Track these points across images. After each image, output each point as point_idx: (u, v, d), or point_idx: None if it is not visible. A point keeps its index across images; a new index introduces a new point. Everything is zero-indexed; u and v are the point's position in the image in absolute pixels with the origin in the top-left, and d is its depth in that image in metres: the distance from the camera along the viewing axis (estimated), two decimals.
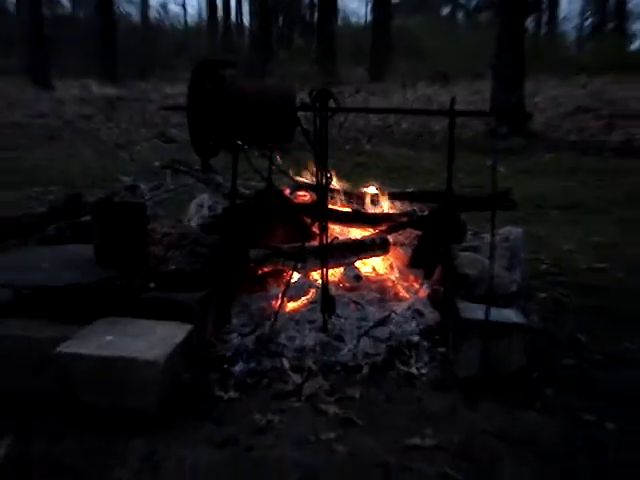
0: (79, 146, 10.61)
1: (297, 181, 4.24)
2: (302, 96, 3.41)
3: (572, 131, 12.09)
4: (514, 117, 11.53)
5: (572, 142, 11.22)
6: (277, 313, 3.47)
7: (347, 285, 3.92)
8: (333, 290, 3.71)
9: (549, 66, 17.26)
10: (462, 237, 4.06)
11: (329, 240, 3.58)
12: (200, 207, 4.28)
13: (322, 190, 3.49)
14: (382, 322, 3.60)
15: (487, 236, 3.80)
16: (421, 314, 3.67)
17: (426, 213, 4.09)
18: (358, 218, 4.10)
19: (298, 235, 3.88)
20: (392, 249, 4.07)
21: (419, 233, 4.09)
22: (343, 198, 4.17)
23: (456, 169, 3.51)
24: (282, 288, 3.63)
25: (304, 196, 4.14)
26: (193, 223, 4.11)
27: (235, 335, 3.49)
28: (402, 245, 4.14)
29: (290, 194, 4.15)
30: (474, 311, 3.25)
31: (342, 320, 3.59)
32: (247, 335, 3.47)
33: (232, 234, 3.59)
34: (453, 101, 3.43)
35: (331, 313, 3.52)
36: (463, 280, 3.47)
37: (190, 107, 3.45)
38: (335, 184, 4.07)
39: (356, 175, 4.53)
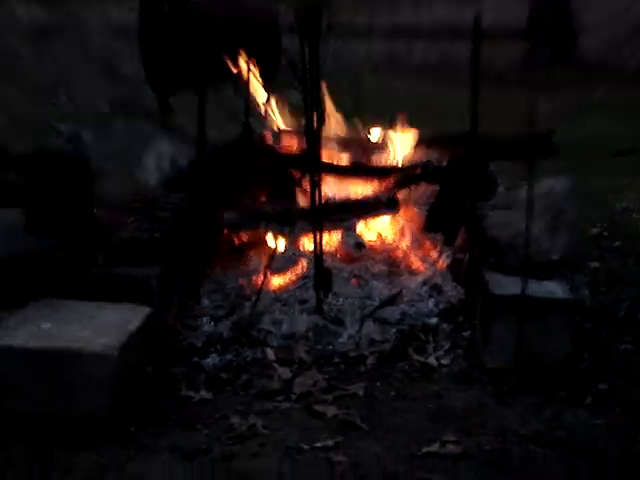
0: (1, 85, 10.53)
1: (282, 126, 4.22)
2: (286, 18, 3.46)
3: (635, 56, 11.98)
4: (559, 38, 11.40)
5: (636, 70, 11.12)
6: (259, 291, 3.50)
7: (347, 255, 3.93)
8: (329, 262, 3.73)
9: None
10: (492, 192, 4.03)
11: (323, 199, 3.59)
12: (159, 159, 4.11)
13: (314, 136, 3.51)
14: (391, 301, 3.65)
15: (524, 190, 3.62)
16: (440, 290, 3.70)
17: (445, 163, 4.04)
18: (359, 171, 4.09)
19: (284, 193, 3.91)
20: (403, 209, 4.07)
21: (436, 188, 4.06)
22: (340, 146, 4.15)
23: (485, 108, 3.55)
24: (265, 260, 3.66)
25: (291, 144, 4.11)
26: (151, 180, 4.03)
27: (206, 320, 3.53)
28: (415, 204, 4.13)
29: (273, 142, 4.13)
30: (507, 285, 3.26)
31: (341, 299, 3.63)
32: (221, 320, 3.51)
33: (201, 193, 3.60)
34: (478, 19, 3.44)
35: (327, 291, 3.58)
36: (493, 246, 3.50)
37: (143, 33, 3.55)
38: (330, 129, 4.07)
39: (357, 117, 4.51)
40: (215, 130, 3.94)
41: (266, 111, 4.07)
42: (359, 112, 4.07)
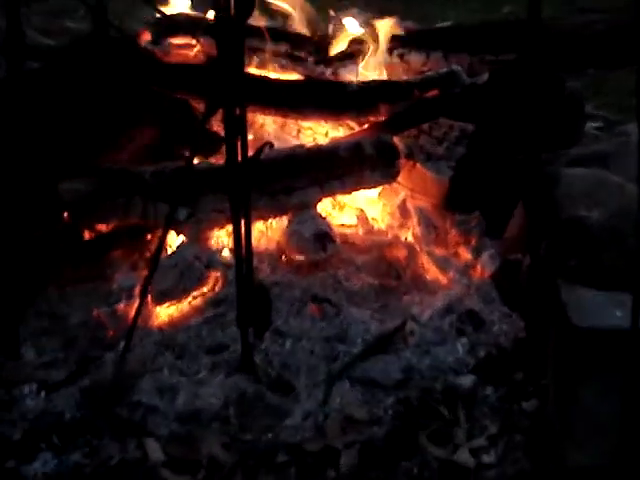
0: None
1: (170, 14, 3.75)
2: None
3: None
4: None
5: None
6: (132, 331, 2.81)
7: (300, 259, 3.29)
8: (266, 272, 3.20)
9: None
10: (574, 132, 3.45)
11: (252, 150, 2.79)
12: None
13: (231, 33, 2.71)
14: (385, 344, 2.96)
15: (633, 127, 3.27)
16: (478, 322, 3.01)
17: (485, 76, 3.43)
18: (320, 94, 3.48)
19: (177, 141, 3.32)
20: (405, 169, 3.43)
21: (469, 127, 3.47)
22: (282, 50, 3.70)
23: None
24: (143, 271, 3.11)
25: (189, 48, 3.67)
26: None
27: (30, 388, 2.87)
28: (430, 159, 3.49)
29: (156, 44, 3.69)
30: (603, 309, 2.64)
31: (289, 343, 2.97)
32: (60, 387, 2.85)
33: (16, 141, 2.96)
34: None
35: (262, 327, 2.95)
36: (576, 235, 2.89)
37: None
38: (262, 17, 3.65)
39: None
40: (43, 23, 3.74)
41: None
42: None
